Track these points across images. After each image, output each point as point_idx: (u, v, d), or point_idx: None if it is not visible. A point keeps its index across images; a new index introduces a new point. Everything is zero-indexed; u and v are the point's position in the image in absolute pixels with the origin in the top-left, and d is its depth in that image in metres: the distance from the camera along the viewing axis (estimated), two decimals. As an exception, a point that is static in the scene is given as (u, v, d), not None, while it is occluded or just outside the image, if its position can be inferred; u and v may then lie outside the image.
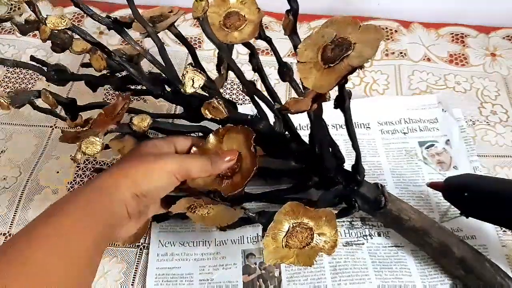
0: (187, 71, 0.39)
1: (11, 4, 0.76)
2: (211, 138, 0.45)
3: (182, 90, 0.39)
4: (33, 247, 0.31)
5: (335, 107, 0.38)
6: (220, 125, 0.46)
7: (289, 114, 0.45)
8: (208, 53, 0.72)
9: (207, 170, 0.41)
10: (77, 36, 0.43)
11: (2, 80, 0.69)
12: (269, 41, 0.45)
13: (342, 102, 0.37)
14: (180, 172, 0.39)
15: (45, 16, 0.40)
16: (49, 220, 0.33)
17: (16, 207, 0.56)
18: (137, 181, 0.37)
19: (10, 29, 0.76)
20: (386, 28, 0.75)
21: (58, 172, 0.59)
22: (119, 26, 0.44)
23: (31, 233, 0.32)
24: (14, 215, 0.55)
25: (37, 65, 0.48)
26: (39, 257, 0.31)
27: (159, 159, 0.39)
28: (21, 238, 0.32)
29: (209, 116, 0.43)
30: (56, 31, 0.42)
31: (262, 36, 0.44)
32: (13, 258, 0.30)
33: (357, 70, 0.32)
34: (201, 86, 0.39)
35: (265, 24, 0.74)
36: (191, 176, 0.40)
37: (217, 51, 0.49)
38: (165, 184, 0.39)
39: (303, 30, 0.75)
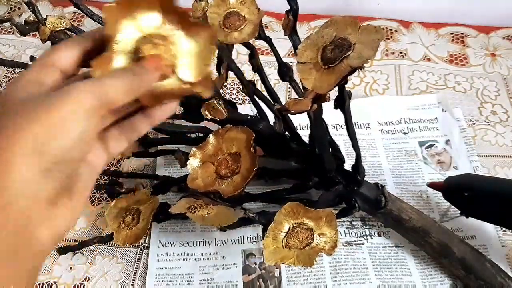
0: (187, 72, 0.38)
1: (11, 5, 0.76)
2: (211, 138, 0.45)
3: (182, 90, 0.39)
4: None
5: (335, 107, 0.38)
6: (220, 126, 0.46)
7: (289, 114, 0.45)
8: (208, 53, 0.72)
9: (132, 88, 0.27)
10: (77, 37, 0.43)
11: (2, 80, 0.69)
12: (269, 41, 0.45)
13: (342, 103, 0.37)
14: (100, 104, 0.26)
15: (45, 17, 0.40)
16: None
17: (16, 207, 0.55)
18: (39, 147, 0.24)
19: (10, 29, 0.76)
20: (386, 28, 0.75)
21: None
22: (119, 26, 0.44)
23: None
24: (14, 216, 0.55)
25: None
26: None
27: (61, 97, 0.25)
28: None
29: (209, 116, 0.43)
30: (55, 32, 0.42)
31: (262, 36, 0.44)
32: None
33: (357, 70, 0.31)
34: (201, 86, 0.39)
35: (265, 24, 0.74)
36: (115, 103, 0.27)
37: (216, 51, 0.49)
38: (85, 130, 0.25)
39: (303, 30, 0.74)
